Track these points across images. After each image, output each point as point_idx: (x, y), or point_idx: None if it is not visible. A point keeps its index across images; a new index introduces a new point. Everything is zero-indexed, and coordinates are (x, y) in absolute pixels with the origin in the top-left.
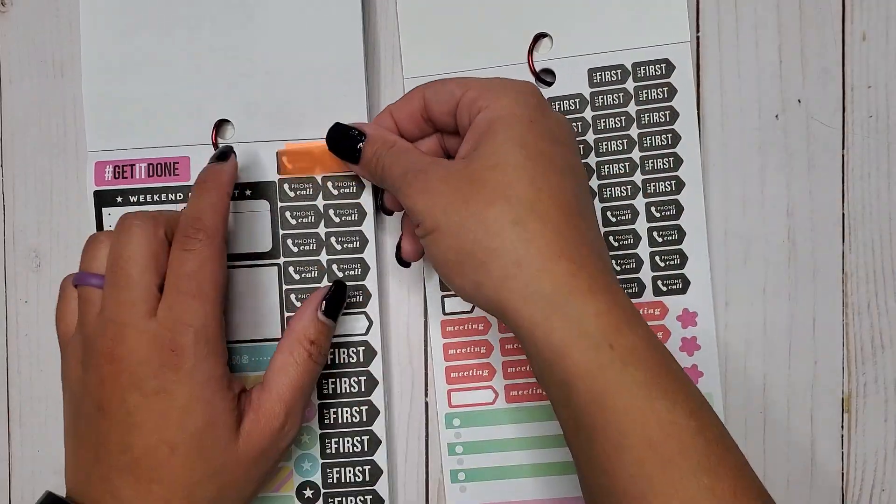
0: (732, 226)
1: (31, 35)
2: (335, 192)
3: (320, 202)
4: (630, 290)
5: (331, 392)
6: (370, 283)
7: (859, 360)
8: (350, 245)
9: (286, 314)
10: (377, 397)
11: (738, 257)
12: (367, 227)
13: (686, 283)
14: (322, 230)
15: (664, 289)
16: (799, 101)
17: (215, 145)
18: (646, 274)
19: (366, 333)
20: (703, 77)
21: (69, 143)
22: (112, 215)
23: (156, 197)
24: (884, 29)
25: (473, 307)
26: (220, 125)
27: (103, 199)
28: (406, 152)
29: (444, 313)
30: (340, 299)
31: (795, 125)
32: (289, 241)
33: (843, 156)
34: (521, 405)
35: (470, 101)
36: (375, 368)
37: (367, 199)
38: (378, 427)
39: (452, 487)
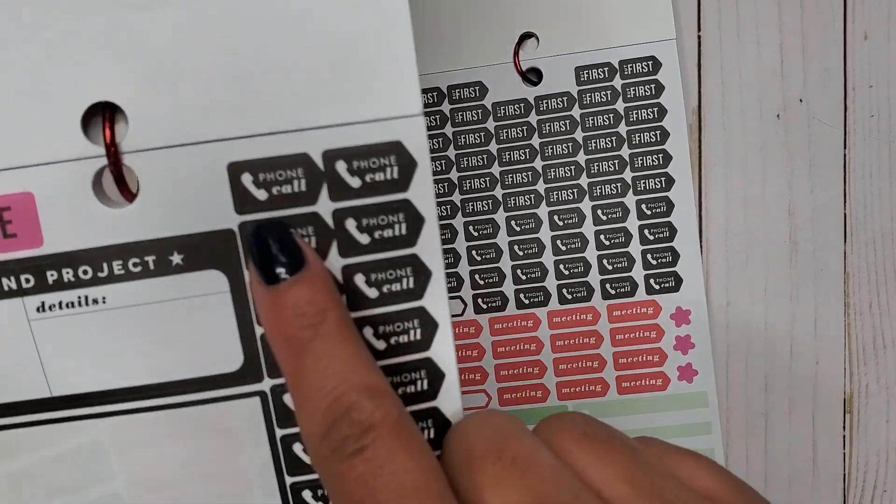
0: (733, 226)
1: None
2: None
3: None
4: (622, 290)
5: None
6: None
7: (861, 360)
8: None
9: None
10: None
11: (738, 257)
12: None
13: (679, 280)
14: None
15: (657, 287)
16: (800, 100)
17: (111, 153)
18: (638, 272)
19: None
20: (703, 76)
21: None
22: None
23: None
24: (885, 28)
25: (464, 310)
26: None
27: None
28: None
29: None
30: None
31: (797, 125)
32: None
33: (844, 155)
34: (515, 408)
35: None
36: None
37: None
38: None
39: None
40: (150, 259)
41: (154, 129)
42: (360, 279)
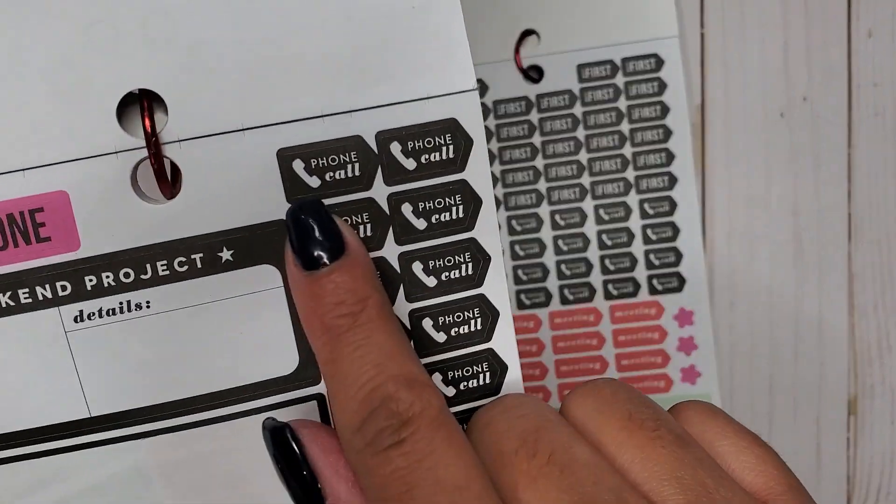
0: (737, 225)
1: None
2: None
3: None
4: (625, 290)
5: None
6: None
7: (865, 361)
8: None
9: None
10: None
11: (742, 257)
12: None
13: (682, 280)
14: None
15: (660, 288)
16: (804, 98)
17: (151, 144)
18: (640, 273)
19: None
20: (707, 74)
21: None
22: None
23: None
24: (890, 26)
25: None
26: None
27: None
28: None
29: None
30: None
31: (801, 123)
32: None
33: (848, 154)
34: None
35: None
36: None
37: None
38: None
39: None
40: (196, 257)
41: (195, 117)
42: (417, 267)
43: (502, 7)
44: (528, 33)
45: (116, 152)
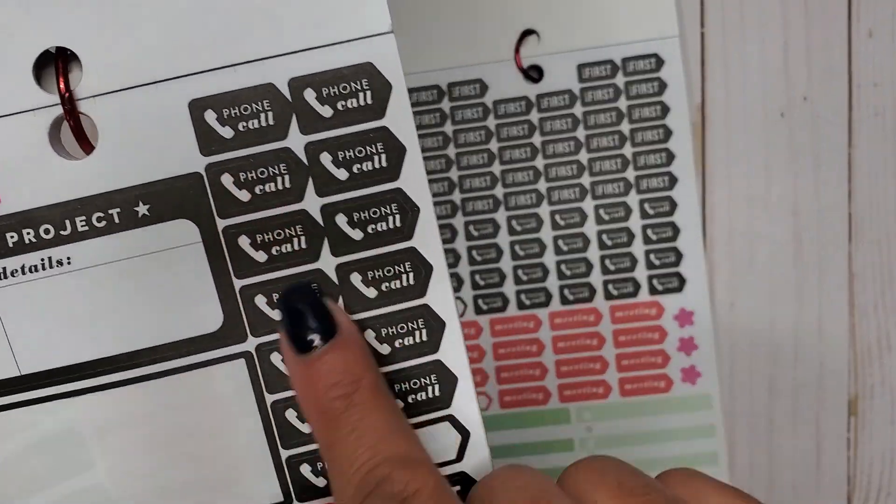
0: (737, 225)
1: None
2: None
3: None
4: (625, 290)
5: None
6: None
7: (866, 361)
8: None
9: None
10: None
11: (742, 257)
12: None
13: (682, 281)
14: None
15: (660, 288)
16: (805, 98)
17: (66, 100)
18: (641, 273)
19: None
20: (707, 74)
21: None
22: None
23: None
24: (890, 26)
25: (464, 311)
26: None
27: None
28: None
29: None
30: None
31: (801, 123)
32: None
33: (849, 154)
34: (516, 411)
35: None
36: None
37: None
38: None
39: None
40: (114, 212)
41: (109, 72)
42: (342, 220)
43: (502, 7)
44: (528, 33)
45: (33, 110)
